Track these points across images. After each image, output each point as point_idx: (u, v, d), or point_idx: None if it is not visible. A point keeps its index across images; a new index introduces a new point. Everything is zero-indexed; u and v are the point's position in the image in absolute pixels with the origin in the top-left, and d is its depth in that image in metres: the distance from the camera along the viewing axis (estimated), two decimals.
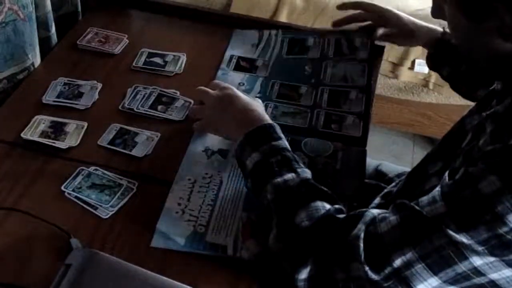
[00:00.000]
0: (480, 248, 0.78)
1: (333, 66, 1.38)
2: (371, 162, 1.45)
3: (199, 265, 0.99)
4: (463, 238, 0.79)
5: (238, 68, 1.39)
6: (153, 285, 0.88)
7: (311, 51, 1.42)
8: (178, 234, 1.02)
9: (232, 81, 1.33)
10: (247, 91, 1.28)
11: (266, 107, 1.26)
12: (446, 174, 0.90)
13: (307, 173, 1.00)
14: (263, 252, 0.98)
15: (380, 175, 1.41)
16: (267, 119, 1.09)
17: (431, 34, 1.36)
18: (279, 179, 0.98)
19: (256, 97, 1.28)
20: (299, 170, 0.99)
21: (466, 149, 0.95)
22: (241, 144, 1.05)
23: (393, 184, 1.19)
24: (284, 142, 1.05)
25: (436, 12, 0.96)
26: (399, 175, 1.34)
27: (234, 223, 1.04)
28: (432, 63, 1.40)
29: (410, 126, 2.53)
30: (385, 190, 1.18)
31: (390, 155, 2.50)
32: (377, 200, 1.17)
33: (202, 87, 1.19)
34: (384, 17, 1.40)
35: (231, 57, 1.42)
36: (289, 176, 0.98)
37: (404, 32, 1.38)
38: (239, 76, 1.37)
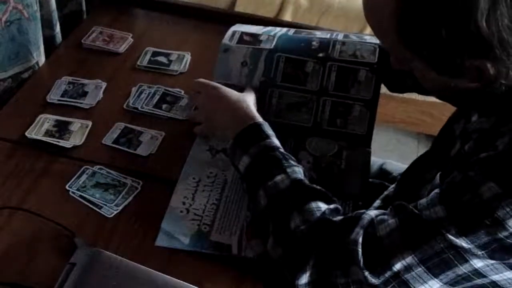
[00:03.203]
0: (480, 252, 0.79)
1: (343, 43, 1.25)
2: (375, 160, 1.44)
3: (203, 264, 0.99)
4: (463, 243, 0.79)
5: (241, 42, 1.26)
6: (158, 284, 0.88)
7: (319, 35, 1.28)
8: (182, 233, 1.02)
9: (235, 60, 1.24)
10: (251, 72, 1.22)
11: (270, 97, 1.21)
12: (437, 176, 0.90)
13: (297, 173, 0.99)
14: (267, 252, 0.98)
15: (384, 173, 1.41)
16: (254, 116, 1.07)
17: None
18: (269, 183, 0.97)
19: (260, 81, 1.22)
20: (289, 170, 0.99)
21: (455, 157, 0.95)
22: (232, 148, 1.05)
23: (393, 186, 1.19)
24: (273, 141, 1.03)
25: (398, 65, 0.96)
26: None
27: (239, 222, 1.04)
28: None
29: (415, 125, 2.52)
30: (385, 193, 1.18)
31: (395, 153, 2.49)
32: (376, 203, 1.16)
33: (191, 92, 1.19)
34: None
35: (234, 32, 1.29)
36: (279, 178, 0.97)
37: None
38: (241, 52, 1.24)
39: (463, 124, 1.00)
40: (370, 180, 1.20)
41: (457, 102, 1.02)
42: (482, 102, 0.92)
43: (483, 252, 0.79)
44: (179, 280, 0.89)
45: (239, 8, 2.31)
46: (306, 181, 0.98)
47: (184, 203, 1.07)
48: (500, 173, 0.79)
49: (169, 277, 0.89)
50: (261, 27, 1.31)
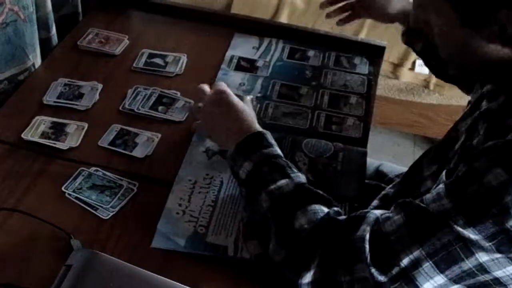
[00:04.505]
0: (487, 244, 0.78)
1: (333, 74, 1.40)
2: (372, 162, 1.45)
3: (200, 266, 0.99)
4: (470, 234, 0.79)
5: (239, 68, 1.39)
6: (154, 286, 0.87)
7: (311, 59, 1.43)
8: (178, 235, 1.02)
9: (233, 81, 1.34)
10: (248, 91, 1.28)
11: (266, 107, 1.27)
12: (443, 173, 0.90)
13: (301, 178, 0.99)
14: (263, 253, 0.98)
15: (380, 175, 1.41)
16: (257, 127, 1.07)
17: (407, 8, 1.33)
18: (272, 186, 0.97)
19: (257, 96, 1.28)
20: (292, 175, 0.98)
21: (459, 150, 0.95)
22: (233, 155, 1.04)
23: (391, 186, 1.19)
24: (276, 149, 1.03)
25: (418, 21, 0.95)
26: (399, 176, 1.34)
27: (235, 223, 1.04)
28: (406, 38, 1.37)
29: (411, 127, 2.53)
30: (383, 192, 1.18)
31: (391, 155, 2.50)
32: (375, 203, 1.17)
33: (201, 86, 1.19)
34: None
35: (232, 57, 1.42)
36: (283, 182, 0.97)
37: (379, 4, 1.36)
38: (239, 76, 1.37)
39: (470, 121, 1.00)
40: (366, 181, 1.20)
41: (469, 75, 1.00)
42: (494, 76, 0.91)
43: (490, 243, 0.78)
44: (175, 282, 0.89)
45: (235, 10, 2.31)
46: (310, 186, 0.99)
47: (180, 205, 1.07)
48: (507, 159, 0.78)
49: (165, 278, 0.89)
50: (256, 46, 1.47)
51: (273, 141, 1.05)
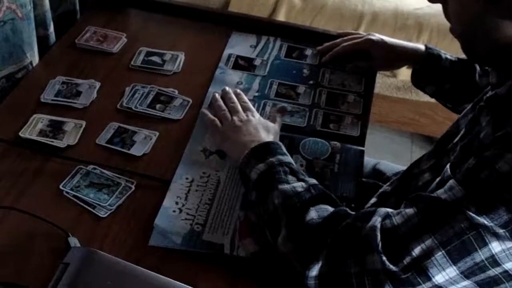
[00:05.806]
0: (501, 231, 0.77)
1: (331, 72, 1.40)
2: (369, 160, 1.45)
3: (196, 264, 0.99)
4: (484, 220, 0.78)
5: (236, 67, 1.40)
6: (151, 284, 0.88)
7: (309, 58, 1.44)
8: (175, 233, 1.02)
9: (230, 80, 1.34)
10: (245, 90, 1.29)
11: (264, 105, 1.28)
12: (448, 166, 0.89)
13: (314, 180, 1.00)
14: (260, 251, 0.99)
15: (377, 174, 1.41)
16: (275, 140, 1.10)
17: (415, 51, 1.34)
18: (287, 186, 0.98)
19: (255, 96, 1.29)
20: (306, 178, 1.00)
21: (462, 144, 0.95)
22: (247, 157, 1.05)
23: (389, 183, 1.19)
24: (290, 158, 1.05)
25: None
26: (396, 174, 1.34)
27: (231, 222, 1.04)
28: (416, 80, 1.39)
29: (409, 125, 2.53)
30: (381, 190, 1.19)
31: (389, 153, 2.50)
32: (372, 200, 1.17)
33: (223, 108, 1.21)
34: (369, 42, 1.39)
35: (230, 55, 1.43)
36: (298, 184, 0.98)
37: (389, 55, 1.38)
38: (237, 75, 1.37)
39: (471, 116, 1.00)
40: (363, 180, 1.20)
41: (477, 55, 0.98)
42: (503, 58, 0.90)
43: (504, 230, 0.77)
44: (173, 280, 0.89)
45: (233, 8, 2.31)
46: (324, 188, 0.99)
47: (177, 203, 1.07)
48: None
49: (162, 276, 0.89)
50: (254, 44, 1.47)
51: (286, 152, 1.07)
